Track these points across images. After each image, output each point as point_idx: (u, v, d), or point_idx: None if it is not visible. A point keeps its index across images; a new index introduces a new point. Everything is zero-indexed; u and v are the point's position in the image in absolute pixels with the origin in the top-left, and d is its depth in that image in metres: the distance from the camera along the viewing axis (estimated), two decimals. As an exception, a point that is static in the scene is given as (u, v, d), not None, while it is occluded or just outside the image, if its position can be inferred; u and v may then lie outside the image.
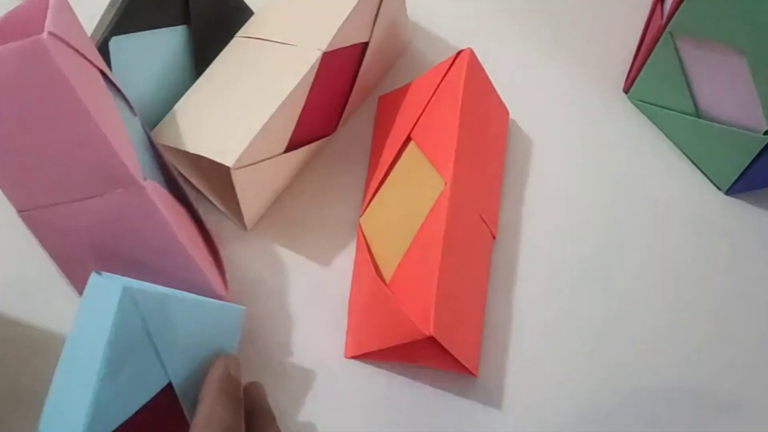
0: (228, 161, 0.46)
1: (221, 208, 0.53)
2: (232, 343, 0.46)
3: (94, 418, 0.37)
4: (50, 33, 0.36)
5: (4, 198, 0.44)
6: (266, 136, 0.48)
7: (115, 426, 0.38)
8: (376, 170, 0.53)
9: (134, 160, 0.42)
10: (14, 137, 0.39)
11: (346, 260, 0.52)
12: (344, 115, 0.56)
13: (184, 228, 0.46)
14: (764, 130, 0.51)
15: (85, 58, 0.40)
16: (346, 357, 0.49)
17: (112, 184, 0.41)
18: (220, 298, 0.47)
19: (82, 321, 0.42)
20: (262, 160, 0.49)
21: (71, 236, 0.45)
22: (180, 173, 0.51)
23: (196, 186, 0.52)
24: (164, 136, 0.50)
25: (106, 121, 0.40)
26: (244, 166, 0.47)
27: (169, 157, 0.49)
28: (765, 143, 0.51)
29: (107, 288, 0.40)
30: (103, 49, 0.48)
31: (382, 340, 0.46)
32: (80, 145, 0.39)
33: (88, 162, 0.40)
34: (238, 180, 0.47)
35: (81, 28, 0.42)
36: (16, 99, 0.38)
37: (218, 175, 0.50)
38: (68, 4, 0.40)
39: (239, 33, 0.55)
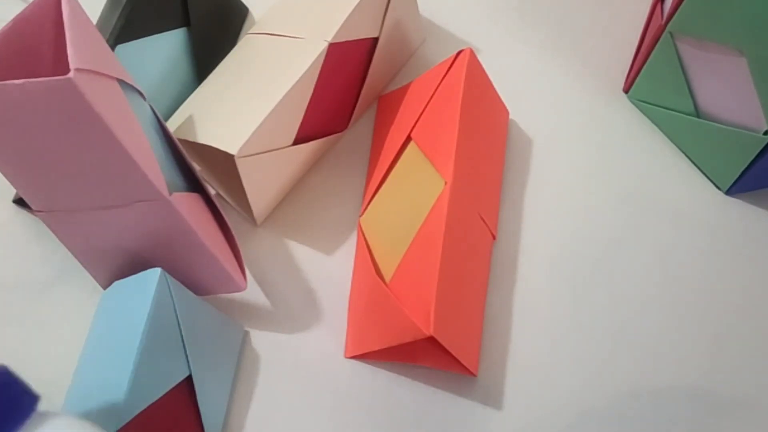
0: (232, 149, 0.47)
1: (231, 202, 0.53)
2: (233, 357, 0.48)
3: (131, 391, 0.39)
4: (77, 69, 0.35)
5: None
6: (271, 126, 0.48)
7: (142, 407, 0.40)
8: (376, 170, 0.53)
9: (158, 173, 0.42)
10: (38, 155, 0.39)
11: (346, 260, 0.52)
12: (356, 112, 0.56)
13: (205, 226, 0.46)
14: (764, 130, 0.50)
15: (105, 75, 0.39)
16: (346, 357, 0.49)
17: (139, 197, 0.42)
18: (241, 290, 0.49)
19: (110, 309, 0.44)
20: (268, 151, 0.49)
21: (92, 237, 0.45)
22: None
23: (207, 180, 0.53)
24: (174, 131, 0.51)
25: (131, 141, 0.39)
26: (249, 155, 0.47)
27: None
28: (765, 143, 0.51)
29: (140, 277, 0.43)
30: None
31: (382, 340, 0.46)
32: (109, 166, 0.40)
33: (114, 179, 0.41)
34: (243, 169, 0.48)
35: (94, 30, 0.41)
36: (42, 126, 0.37)
37: (228, 169, 0.51)
38: (79, 5, 0.40)
39: (251, 30, 0.56)
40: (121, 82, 0.42)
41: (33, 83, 0.35)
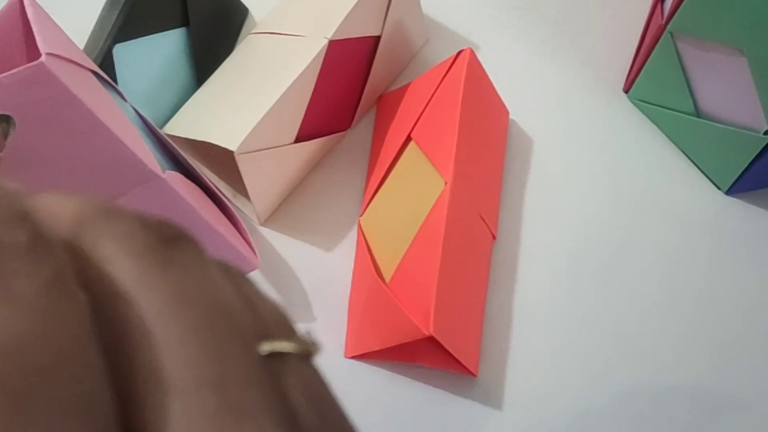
0: (232, 146, 0.47)
1: (237, 204, 0.53)
2: None
3: None
4: (48, 54, 0.35)
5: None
6: (272, 122, 0.48)
7: None
8: (376, 170, 0.53)
9: (149, 153, 0.42)
10: (28, 153, 0.39)
11: (346, 260, 0.52)
12: (358, 112, 0.56)
13: (206, 208, 0.46)
14: (764, 130, 0.50)
15: (78, 65, 0.39)
16: (345, 357, 0.49)
17: (134, 182, 0.41)
18: (255, 267, 0.48)
19: None
20: (269, 148, 0.49)
21: None
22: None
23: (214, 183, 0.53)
24: (175, 129, 0.51)
25: (115, 123, 0.39)
26: (249, 152, 0.48)
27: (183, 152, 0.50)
28: (765, 143, 0.51)
29: None
30: (107, 57, 0.49)
31: (382, 340, 0.46)
32: (98, 153, 0.39)
33: (107, 167, 0.40)
34: (243, 165, 0.48)
35: (61, 31, 0.41)
36: (26, 120, 0.37)
37: (232, 169, 0.51)
38: (42, 9, 0.40)
39: (253, 30, 0.56)
40: (97, 75, 0.42)
41: (6, 77, 0.35)
